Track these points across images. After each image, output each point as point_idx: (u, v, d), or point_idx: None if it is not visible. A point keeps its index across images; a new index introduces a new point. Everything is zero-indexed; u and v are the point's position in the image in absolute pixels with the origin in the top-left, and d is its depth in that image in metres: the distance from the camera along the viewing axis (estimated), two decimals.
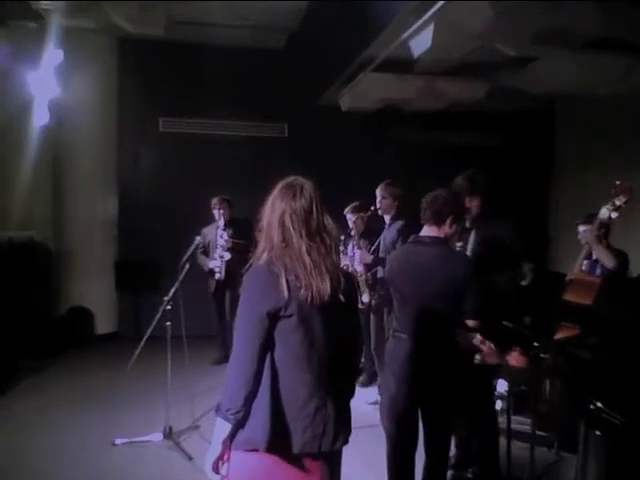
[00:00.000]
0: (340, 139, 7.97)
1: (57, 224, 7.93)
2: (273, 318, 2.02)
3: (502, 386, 4.60)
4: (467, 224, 3.94)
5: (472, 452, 4.00)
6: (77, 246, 7.85)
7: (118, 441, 4.56)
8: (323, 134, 7.98)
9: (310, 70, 7.33)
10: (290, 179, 2.21)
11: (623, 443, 2.05)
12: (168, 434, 4.60)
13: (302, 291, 2.02)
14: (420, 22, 4.27)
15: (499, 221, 3.99)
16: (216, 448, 2.09)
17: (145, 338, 4.71)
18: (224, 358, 6.90)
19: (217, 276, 6.68)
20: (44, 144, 7.31)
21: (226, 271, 6.63)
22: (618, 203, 4.22)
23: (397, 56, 5.57)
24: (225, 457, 2.12)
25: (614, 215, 4.26)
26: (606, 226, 4.59)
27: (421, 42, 4.46)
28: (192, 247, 4.91)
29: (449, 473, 3.70)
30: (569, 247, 7.84)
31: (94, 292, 7.93)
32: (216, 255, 6.66)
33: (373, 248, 5.48)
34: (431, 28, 4.20)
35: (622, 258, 4.48)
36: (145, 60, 7.99)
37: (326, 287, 2.05)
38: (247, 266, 2.11)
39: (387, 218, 5.45)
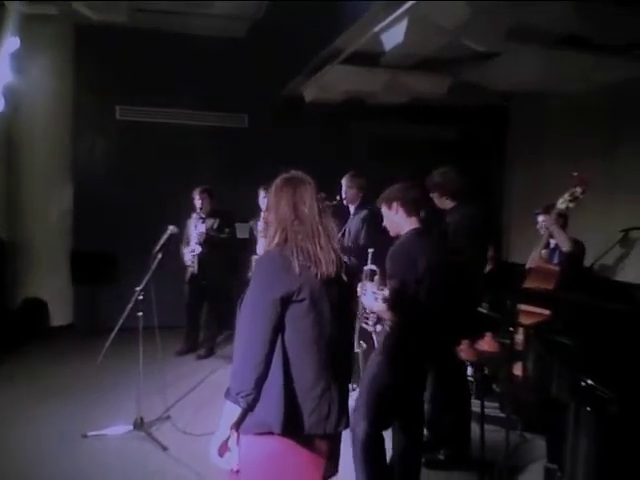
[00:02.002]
0: (301, 131, 7.97)
1: (11, 214, 7.69)
2: (285, 303, 2.08)
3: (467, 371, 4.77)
4: None
5: (444, 434, 4.15)
6: (32, 236, 7.62)
7: (90, 433, 4.51)
8: (284, 125, 7.98)
9: (272, 60, 7.30)
10: (286, 174, 2.33)
11: (614, 419, 2.19)
12: (139, 425, 4.57)
13: (312, 268, 2.10)
14: (393, 16, 4.33)
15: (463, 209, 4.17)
16: (223, 432, 2.11)
17: (116, 329, 4.64)
18: (189, 350, 6.84)
19: (190, 269, 6.59)
20: None
21: (200, 264, 6.55)
22: (575, 194, 4.44)
23: (364, 49, 5.63)
24: (230, 442, 2.14)
25: (572, 205, 4.48)
26: (564, 216, 4.84)
27: (393, 36, 4.54)
28: (165, 237, 4.82)
29: None
30: (520, 237, 8.15)
31: (49, 283, 7.74)
32: (189, 248, 6.58)
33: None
34: (404, 23, 4.28)
35: (578, 245, 4.74)
36: (103, 47, 7.79)
37: (332, 265, 2.15)
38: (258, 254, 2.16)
39: (352, 208, 5.54)
